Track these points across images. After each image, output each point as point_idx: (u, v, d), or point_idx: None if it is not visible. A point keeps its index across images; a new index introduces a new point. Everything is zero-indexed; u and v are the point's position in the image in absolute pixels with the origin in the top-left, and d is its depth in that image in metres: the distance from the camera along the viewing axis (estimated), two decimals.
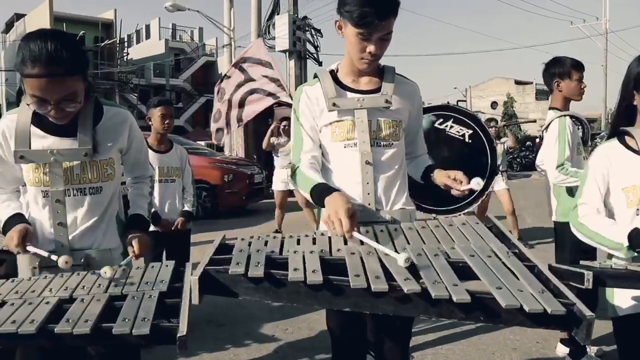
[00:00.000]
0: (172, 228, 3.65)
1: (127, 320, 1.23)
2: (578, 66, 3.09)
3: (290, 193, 7.48)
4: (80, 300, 1.35)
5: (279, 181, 7.42)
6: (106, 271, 1.48)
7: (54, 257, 1.59)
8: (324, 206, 1.69)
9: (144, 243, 1.83)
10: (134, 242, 1.79)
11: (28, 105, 1.64)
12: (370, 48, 1.77)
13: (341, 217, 1.55)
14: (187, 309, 1.27)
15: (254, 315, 4.15)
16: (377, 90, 1.90)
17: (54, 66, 1.51)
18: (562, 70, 3.09)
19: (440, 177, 1.88)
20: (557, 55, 3.20)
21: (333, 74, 1.95)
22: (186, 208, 3.77)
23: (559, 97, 3.13)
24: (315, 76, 1.98)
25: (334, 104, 1.85)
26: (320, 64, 17.50)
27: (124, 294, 1.39)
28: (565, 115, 2.99)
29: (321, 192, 1.73)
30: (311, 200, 1.81)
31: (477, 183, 1.75)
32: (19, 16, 34.07)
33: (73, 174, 1.73)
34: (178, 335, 1.18)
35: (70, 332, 1.21)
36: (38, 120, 1.71)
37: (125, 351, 1.77)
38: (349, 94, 1.89)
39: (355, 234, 1.55)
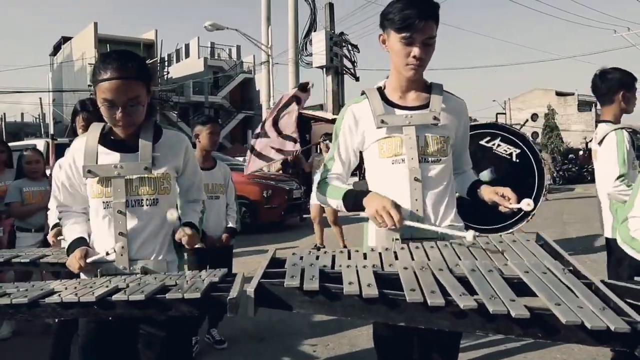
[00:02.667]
0: (217, 245, 3.68)
1: (179, 290, 1.41)
2: (635, 78, 3.02)
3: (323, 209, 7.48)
4: (136, 284, 1.53)
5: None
6: (172, 213, 1.81)
7: (110, 251, 1.83)
8: (359, 209, 1.81)
9: (195, 234, 1.91)
10: (186, 229, 1.88)
11: (98, 108, 1.84)
12: (415, 52, 1.79)
13: (389, 209, 1.67)
14: (238, 286, 1.41)
15: (295, 330, 4.15)
16: (424, 106, 1.91)
17: (122, 70, 1.74)
18: (628, 81, 3.01)
19: (488, 193, 1.88)
20: (611, 66, 3.11)
21: (380, 91, 1.96)
22: (230, 224, 3.81)
23: (614, 110, 3.03)
24: (363, 93, 2.00)
25: (382, 121, 1.87)
26: (357, 79, 17.60)
27: (177, 282, 1.54)
28: (621, 128, 2.91)
29: (356, 195, 1.85)
30: (342, 207, 1.89)
31: (527, 204, 1.74)
32: (65, 39, 35.55)
33: (132, 186, 1.87)
34: (228, 297, 1.33)
35: (126, 299, 1.39)
36: (104, 140, 1.91)
37: (177, 337, 1.87)
38: (397, 111, 1.90)
39: (407, 222, 1.70)
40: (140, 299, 1.39)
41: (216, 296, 1.41)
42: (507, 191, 1.81)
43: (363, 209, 1.80)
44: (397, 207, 1.71)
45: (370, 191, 1.85)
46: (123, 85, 1.73)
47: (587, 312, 1.12)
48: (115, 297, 1.42)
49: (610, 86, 3.06)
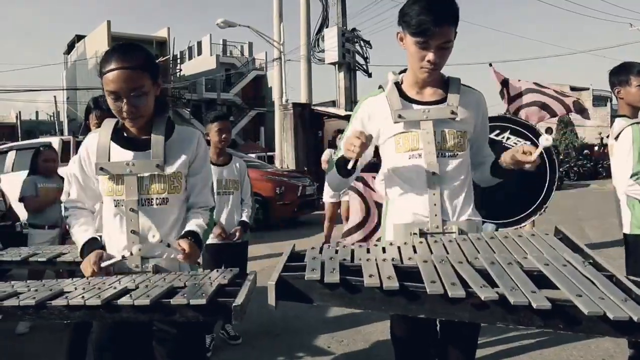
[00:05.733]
0: (231, 239, 3.68)
1: (185, 295, 1.40)
2: (638, 72, 2.97)
3: (340, 205, 7.41)
4: (144, 286, 1.53)
5: (329, 195, 7.28)
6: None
7: (126, 254, 1.80)
8: (345, 169, 1.84)
9: (194, 248, 1.79)
10: (183, 242, 1.77)
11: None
12: (429, 57, 1.78)
13: (352, 136, 1.71)
14: (246, 291, 1.41)
15: (309, 326, 4.16)
16: (442, 101, 1.91)
17: (124, 61, 1.75)
18: (621, 78, 2.99)
19: (509, 155, 1.82)
20: (626, 61, 3.09)
21: (397, 86, 1.96)
22: (243, 218, 3.81)
23: (623, 105, 3.02)
24: (380, 87, 2.00)
25: (400, 116, 1.87)
26: (369, 75, 17.55)
27: (186, 284, 1.54)
28: (637, 123, 2.87)
29: (338, 158, 1.89)
30: (339, 173, 1.90)
31: (545, 139, 1.66)
32: (79, 37, 35.88)
33: (143, 185, 1.85)
34: (233, 304, 1.33)
35: (132, 304, 1.39)
36: (117, 136, 1.90)
37: (190, 333, 1.83)
38: (415, 106, 1.91)
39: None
40: (146, 304, 1.39)
41: (222, 302, 1.40)
42: (526, 147, 1.75)
43: (347, 164, 1.82)
44: (360, 133, 1.72)
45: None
46: (125, 75, 1.73)
47: (609, 303, 1.12)
48: (120, 301, 1.42)
49: (610, 84, 3.07)
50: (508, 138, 4.19)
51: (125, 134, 1.91)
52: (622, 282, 1.27)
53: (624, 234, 3.00)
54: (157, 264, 1.83)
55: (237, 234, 3.72)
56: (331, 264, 1.36)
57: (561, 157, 23.91)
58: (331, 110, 17.41)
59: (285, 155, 16.64)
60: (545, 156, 4.27)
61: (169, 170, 1.86)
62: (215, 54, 35.89)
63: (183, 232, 1.87)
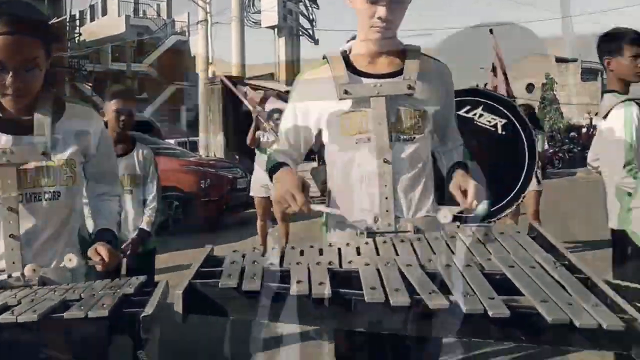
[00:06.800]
0: (125, 253, 3.43)
1: (82, 307, 1.38)
2: (633, 40, 2.98)
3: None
4: (29, 301, 1.48)
5: (259, 185, 7.11)
6: (71, 259, 1.71)
7: (15, 274, 1.73)
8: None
9: (113, 254, 1.79)
10: (100, 248, 1.77)
11: None
12: (380, 12, 1.80)
13: (293, 192, 1.71)
14: (157, 299, 1.40)
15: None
16: (397, 73, 1.92)
17: (14, 24, 1.68)
18: (612, 46, 3.06)
19: (453, 185, 1.88)
20: (616, 27, 3.16)
21: (345, 57, 1.97)
22: (142, 225, 3.64)
23: (613, 78, 3.08)
24: (324, 58, 2.00)
25: (346, 92, 1.87)
26: (316, 42, 17.60)
27: (82, 296, 1.51)
28: (629, 100, 2.89)
29: (274, 168, 1.90)
30: (271, 180, 1.93)
31: (443, 216, 1.82)
32: None
33: (27, 177, 1.80)
34: (142, 315, 1.31)
35: (14, 321, 1.34)
36: None
37: None
38: (365, 80, 1.91)
39: (313, 206, 1.76)
40: (33, 320, 1.34)
41: (128, 313, 1.38)
42: (470, 187, 1.80)
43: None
44: (304, 188, 1.74)
45: (284, 165, 1.89)
46: (15, 43, 1.67)
47: (577, 309, 1.15)
48: (0, 318, 1.37)
49: (598, 52, 3.12)
50: (481, 115, 4.25)
51: (0, 114, 1.84)
52: (598, 286, 1.31)
53: (611, 230, 3.07)
54: (44, 274, 1.78)
55: (130, 248, 3.52)
56: (252, 269, 1.36)
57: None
58: (269, 84, 17.37)
59: (211, 140, 16.49)
60: (524, 138, 4.37)
61: (59, 157, 1.82)
62: (125, 15, 35.06)
63: (96, 231, 1.90)
